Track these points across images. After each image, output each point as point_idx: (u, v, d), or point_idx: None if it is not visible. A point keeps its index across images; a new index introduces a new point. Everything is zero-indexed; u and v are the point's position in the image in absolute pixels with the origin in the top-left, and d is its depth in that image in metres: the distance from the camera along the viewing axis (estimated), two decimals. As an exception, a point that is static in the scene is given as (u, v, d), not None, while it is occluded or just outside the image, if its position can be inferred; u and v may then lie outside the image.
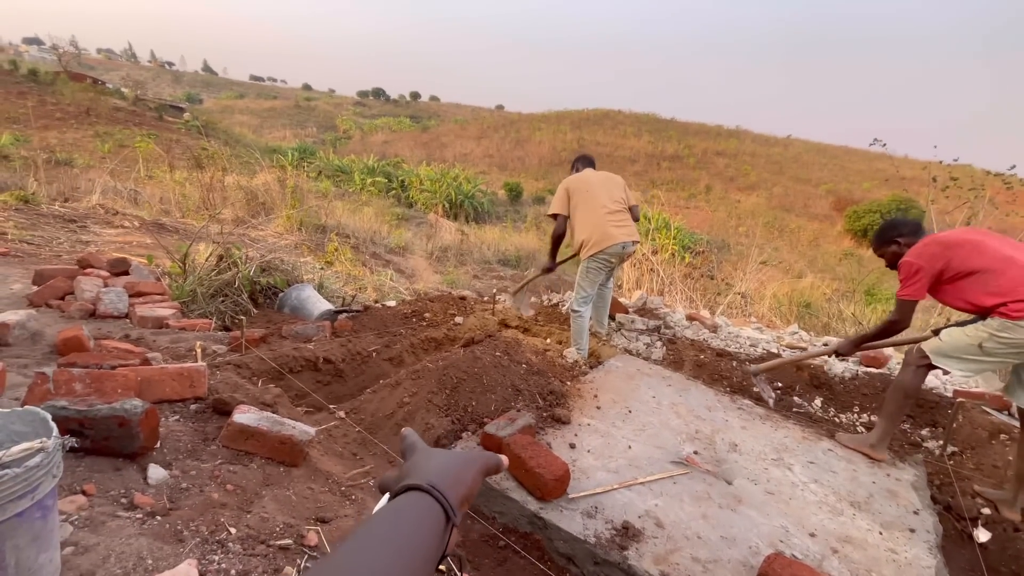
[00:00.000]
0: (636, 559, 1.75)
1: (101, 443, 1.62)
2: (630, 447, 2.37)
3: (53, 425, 1.11)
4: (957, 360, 2.32)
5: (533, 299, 4.59)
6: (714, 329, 3.78)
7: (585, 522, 1.89)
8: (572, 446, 2.32)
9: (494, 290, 4.60)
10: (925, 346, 2.44)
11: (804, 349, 3.61)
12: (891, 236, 2.50)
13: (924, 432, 2.99)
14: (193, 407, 2.03)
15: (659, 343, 3.62)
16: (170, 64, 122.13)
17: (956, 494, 2.45)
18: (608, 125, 49.56)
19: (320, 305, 3.55)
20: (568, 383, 2.89)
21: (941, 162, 6.99)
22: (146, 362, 2.31)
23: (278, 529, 1.55)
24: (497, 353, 2.75)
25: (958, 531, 2.30)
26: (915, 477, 2.45)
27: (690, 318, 3.96)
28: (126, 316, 3.21)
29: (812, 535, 1.96)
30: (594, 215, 3.19)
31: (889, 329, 2.50)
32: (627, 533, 1.86)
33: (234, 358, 2.59)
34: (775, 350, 3.54)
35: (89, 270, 3.67)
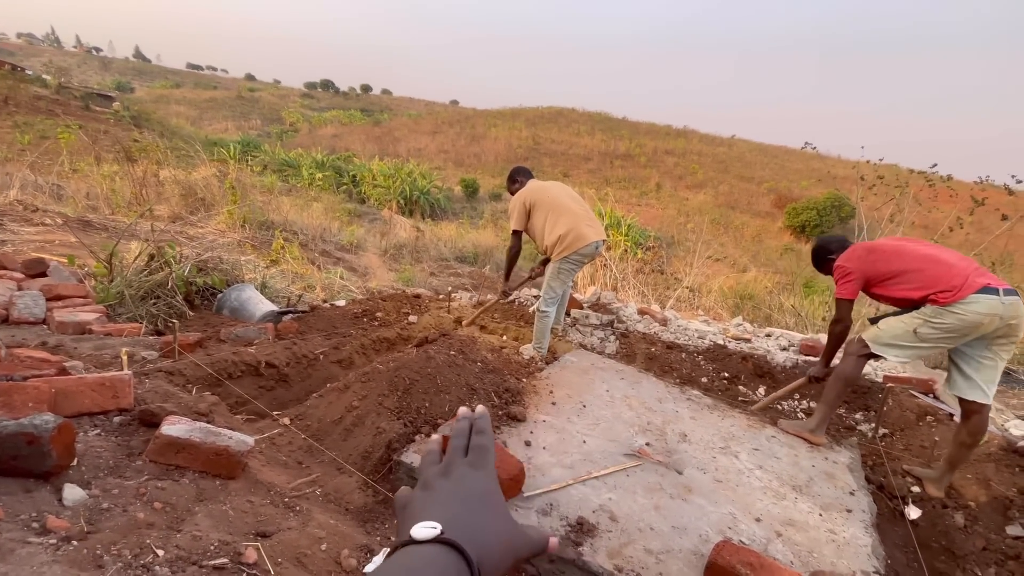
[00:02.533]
0: (591, 554, 1.75)
1: (8, 463, 1.46)
2: (585, 442, 2.38)
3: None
4: (895, 347, 2.47)
5: (490, 296, 4.56)
6: (664, 322, 3.87)
7: (540, 520, 1.88)
8: (528, 443, 2.31)
9: (449, 288, 4.53)
10: (865, 336, 2.60)
11: (748, 340, 3.76)
12: (824, 255, 2.77)
13: (857, 416, 3.18)
14: (117, 420, 1.86)
15: (613, 337, 3.68)
16: (97, 50, 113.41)
17: (888, 474, 2.61)
18: (562, 123, 50.09)
19: (262, 306, 3.37)
20: (524, 380, 2.87)
21: (868, 161, 7.47)
22: (63, 372, 2.10)
23: (212, 548, 1.45)
24: (451, 352, 2.69)
25: (891, 509, 2.45)
26: (850, 459, 2.59)
27: (641, 312, 4.04)
28: (43, 322, 2.94)
29: (758, 520, 2.03)
30: (566, 217, 3.21)
31: (835, 329, 2.69)
32: (582, 529, 1.86)
33: (166, 365, 2.41)
34: (721, 341, 3.66)
35: (1, 272, 3.33)
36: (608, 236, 7.63)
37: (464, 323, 3.61)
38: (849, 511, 2.16)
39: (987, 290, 2.22)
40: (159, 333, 3.03)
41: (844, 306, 2.62)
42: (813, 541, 1.95)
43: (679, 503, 2.06)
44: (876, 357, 2.56)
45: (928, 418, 3.10)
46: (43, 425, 1.47)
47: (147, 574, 1.28)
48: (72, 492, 1.49)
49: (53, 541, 1.30)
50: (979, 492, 2.46)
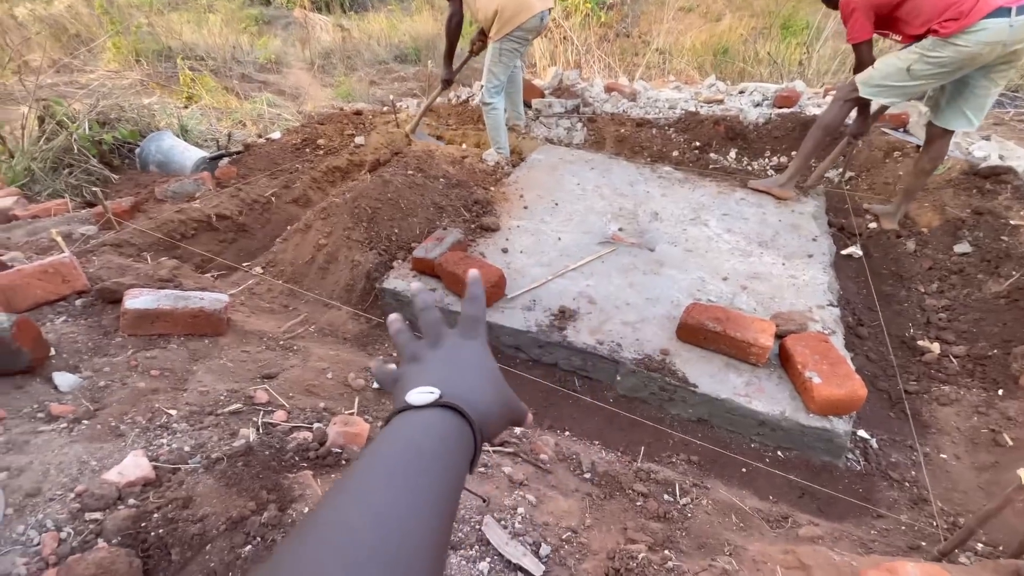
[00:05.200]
0: (574, 335, 1.90)
1: (-18, 367, 1.44)
2: (560, 239, 2.39)
3: None
4: (884, 89, 2.36)
5: (440, 100, 4.11)
6: (633, 97, 3.58)
7: (525, 315, 1.99)
8: (505, 251, 2.32)
9: (391, 96, 4.05)
10: (857, 78, 2.44)
11: (721, 101, 3.54)
12: None
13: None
14: (78, 303, 1.80)
15: (579, 125, 3.44)
16: None
17: (849, 215, 2.72)
18: None
19: (190, 154, 3.02)
20: (492, 188, 2.76)
21: None
22: (3, 267, 1.95)
23: (222, 398, 1.54)
24: (409, 172, 2.52)
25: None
26: (816, 208, 2.67)
27: (608, 89, 3.70)
28: (-46, 216, 2.64)
29: (725, 279, 2.17)
30: None
31: (861, 69, 2.46)
32: (564, 315, 1.98)
33: (109, 237, 2.25)
34: (692, 108, 3.45)
35: None
36: (565, 0, 6.57)
37: (408, 131, 3.25)
38: (810, 256, 2.31)
39: (998, 12, 1.98)
40: (90, 205, 2.77)
41: (861, 49, 2.36)
42: (775, 288, 2.12)
43: (651, 277, 2.17)
44: (864, 104, 2.45)
45: (895, 154, 3.11)
46: (-3, 326, 1.40)
47: (167, 432, 1.38)
48: (64, 379, 1.51)
49: (64, 425, 1.36)
50: (933, 218, 2.60)
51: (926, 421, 1.87)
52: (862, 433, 1.79)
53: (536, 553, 1.23)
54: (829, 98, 3.42)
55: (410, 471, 0.32)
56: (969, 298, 2.20)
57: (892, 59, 2.32)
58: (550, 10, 2.82)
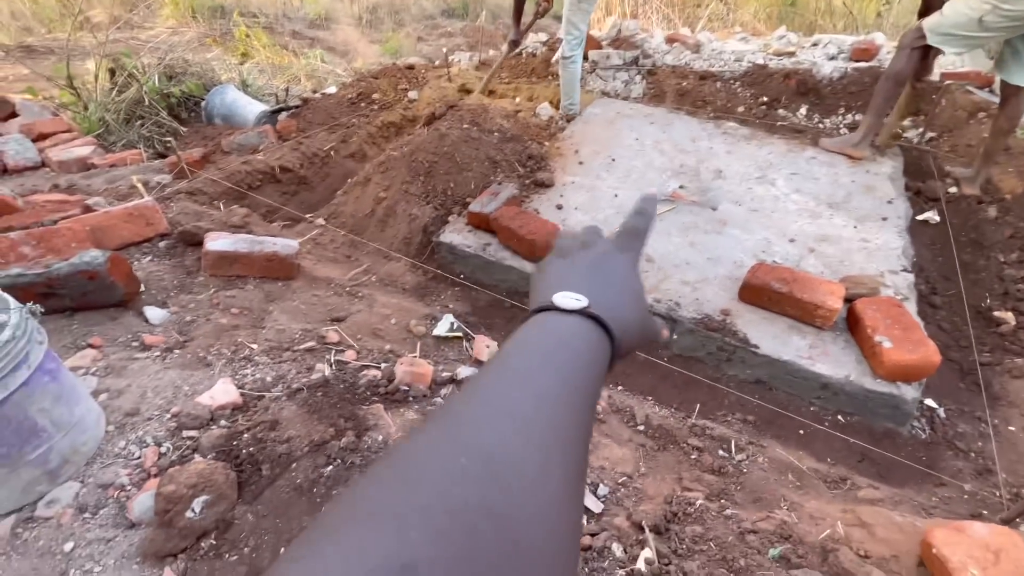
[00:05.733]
0: (632, 293, 1.89)
1: (82, 300, 1.57)
2: (616, 195, 2.35)
3: (7, 296, 1.02)
4: (953, 38, 2.22)
5: (492, 53, 4.02)
6: (696, 49, 3.39)
7: (581, 272, 1.98)
8: (559, 207, 2.30)
9: (444, 50, 3.99)
10: (925, 23, 2.26)
11: (792, 54, 3.31)
12: None
13: (906, 122, 2.96)
14: (162, 244, 1.92)
15: (638, 77, 3.30)
16: None
17: (928, 178, 2.54)
18: None
19: (253, 107, 3.10)
20: (547, 143, 2.71)
21: None
22: (88, 209, 2.10)
23: (297, 336, 1.63)
24: (464, 126, 2.50)
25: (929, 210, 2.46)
26: (892, 169, 2.51)
27: (670, 40, 3.52)
28: (42, 165, 2.83)
29: (792, 240, 2.09)
30: None
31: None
32: (621, 273, 1.97)
33: (183, 186, 2.37)
34: (761, 61, 3.24)
35: (-33, 120, 3.09)
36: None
37: (478, 92, 3.20)
38: (885, 219, 2.19)
39: None
40: (161, 156, 2.91)
41: None
42: (845, 252, 2.03)
43: (714, 237, 2.11)
44: (932, 51, 2.26)
45: (980, 115, 2.85)
46: (94, 260, 1.52)
47: (250, 364, 1.48)
48: (154, 313, 1.63)
49: (157, 353, 1.48)
50: (1017, 184, 2.40)
51: (996, 393, 1.78)
52: (930, 402, 1.73)
53: (594, 493, 1.27)
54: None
55: (564, 365, 0.32)
56: (1057, 268, 2.04)
57: (963, 7, 2.14)
58: None
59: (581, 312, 0.37)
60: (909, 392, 1.58)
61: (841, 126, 2.98)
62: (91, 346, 1.45)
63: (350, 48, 6.47)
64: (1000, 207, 2.41)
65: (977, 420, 1.72)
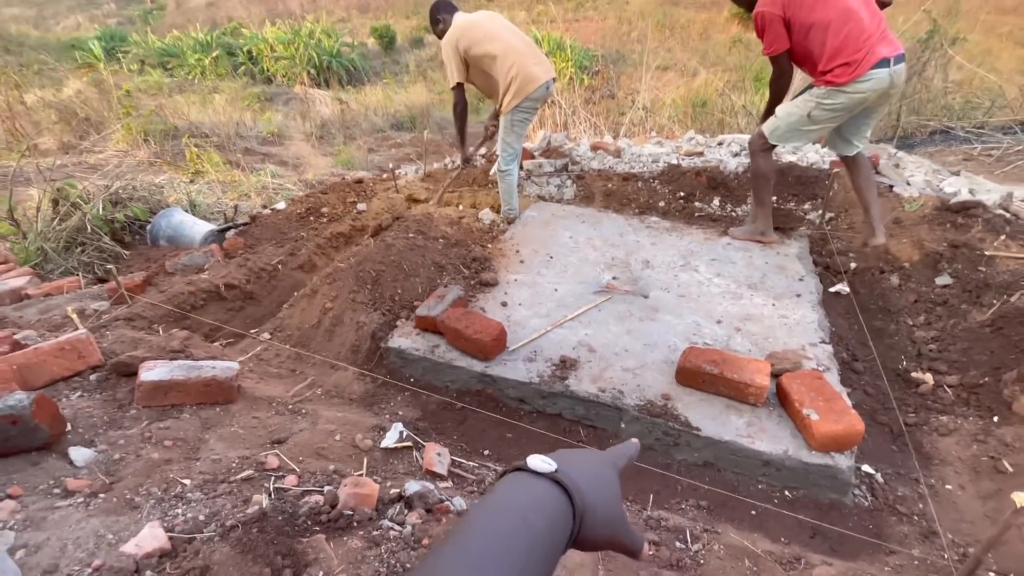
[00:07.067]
0: (576, 384, 1.95)
1: (3, 446, 1.47)
2: (556, 290, 2.48)
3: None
4: (792, 134, 2.63)
5: (436, 165, 4.33)
6: (618, 154, 3.80)
7: (527, 367, 2.04)
8: (504, 304, 2.40)
9: (391, 164, 4.27)
10: (764, 128, 2.70)
11: (701, 154, 3.75)
12: None
13: (806, 206, 3.34)
14: (93, 378, 1.85)
15: (569, 182, 3.62)
16: None
17: (832, 254, 2.84)
18: (473, -67, 42.48)
19: (199, 228, 3.16)
20: (489, 245, 2.88)
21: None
22: (17, 345, 2.02)
23: (234, 465, 1.56)
24: (410, 235, 2.64)
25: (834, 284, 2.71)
26: (799, 249, 2.79)
27: (594, 148, 3.93)
28: (-30, 298, 2.73)
29: (719, 322, 2.24)
30: (508, 59, 2.83)
31: (777, 87, 2.72)
32: (565, 365, 2.04)
33: (122, 312, 2.33)
34: (675, 161, 3.65)
35: None
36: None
37: (432, 204, 3.40)
38: (799, 295, 2.40)
39: (881, 63, 2.32)
40: (102, 281, 2.87)
41: (779, 61, 2.56)
42: (768, 328, 2.19)
43: (648, 324, 2.24)
44: (775, 146, 2.73)
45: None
46: (19, 404, 1.45)
47: (181, 502, 1.40)
48: (79, 453, 1.54)
49: (80, 499, 1.38)
50: (912, 252, 2.71)
51: (928, 452, 1.89)
52: (866, 468, 1.81)
53: (551, 608, 1.23)
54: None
55: (520, 548, 0.35)
56: (956, 328, 2.27)
57: (791, 107, 2.59)
58: (554, 79, 3.00)
59: (550, 477, 0.40)
60: (843, 461, 1.65)
61: (751, 213, 3.33)
62: (10, 496, 1.35)
63: (302, 161, 6.80)
64: (901, 275, 2.69)
65: (915, 482, 1.81)
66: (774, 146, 2.71)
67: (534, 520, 0.37)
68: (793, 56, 2.53)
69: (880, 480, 1.79)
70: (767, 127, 2.67)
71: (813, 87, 2.51)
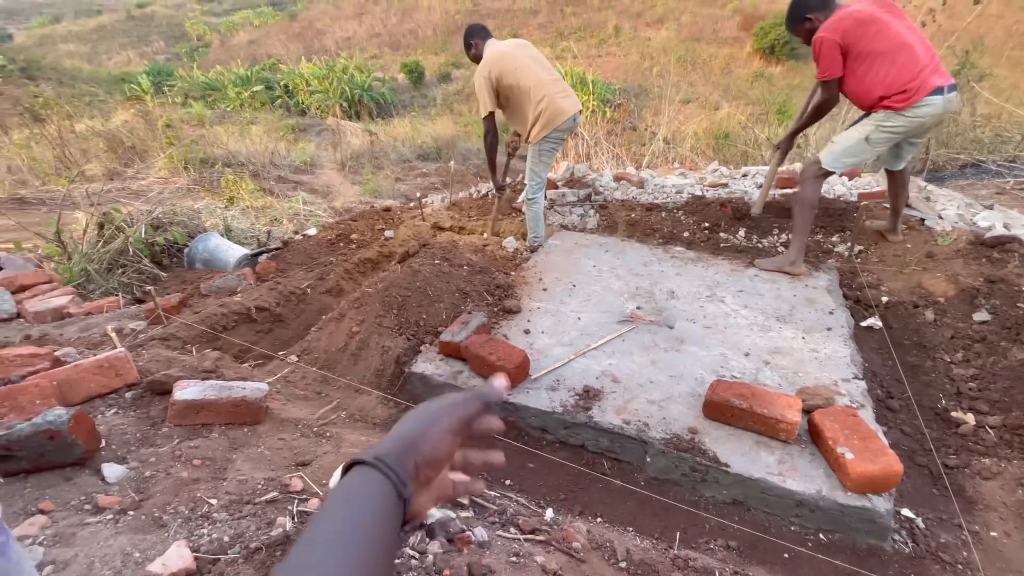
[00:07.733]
0: (600, 415, 1.92)
1: (40, 460, 1.52)
2: (579, 318, 2.48)
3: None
4: (848, 159, 2.67)
5: (461, 194, 4.43)
6: (641, 184, 3.83)
7: (550, 396, 2.03)
8: (527, 332, 2.41)
9: (417, 193, 4.38)
10: (821, 154, 2.73)
11: (725, 185, 3.75)
12: (801, 13, 2.61)
13: (834, 239, 3.29)
14: (128, 395, 1.91)
15: (592, 211, 3.66)
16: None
17: (863, 287, 2.78)
18: (500, -25, 44.32)
19: (234, 252, 3.28)
20: (513, 273, 2.91)
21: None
22: (57, 362, 2.10)
23: (260, 487, 1.57)
24: (436, 261, 2.69)
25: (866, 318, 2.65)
26: (829, 282, 2.74)
27: (617, 178, 3.97)
28: (17, 316, 2.86)
29: (747, 355, 2.20)
30: (538, 93, 2.95)
31: (821, 111, 2.80)
32: (588, 395, 2.02)
33: (157, 331, 2.41)
34: (699, 192, 3.66)
35: (-52, 274, 3.16)
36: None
37: (485, 235, 3.49)
38: (829, 329, 2.34)
39: (936, 91, 2.39)
40: (139, 301, 2.98)
41: (830, 86, 2.60)
42: (797, 363, 2.14)
43: (673, 355, 2.21)
44: (828, 173, 2.75)
45: (902, 227, 3.22)
46: (58, 419, 1.50)
47: (207, 522, 1.41)
48: (112, 470, 1.57)
49: (110, 516, 1.41)
50: (948, 287, 2.64)
51: (971, 497, 1.79)
52: (906, 512, 1.72)
53: (575, 648, 1.19)
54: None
55: (347, 547, 0.39)
56: (996, 366, 2.18)
57: (849, 134, 2.65)
58: (580, 112, 3.10)
59: (352, 463, 0.45)
60: (881, 504, 1.58)
61: (778, 244, 3.29)
62: (42, 511, 1.38)
63: (332, 189, 7.03)
64: (936, 310, 2.61)
65: (957, 528, 1.71)
66: (828, 173, 2.73)
67: (350, 513, 0.42)
68: (842, 84, 2.58)
69: (921, 525, 1.70)
70: (823, 154, 2.72)
71: (872, 113, 2.57)
